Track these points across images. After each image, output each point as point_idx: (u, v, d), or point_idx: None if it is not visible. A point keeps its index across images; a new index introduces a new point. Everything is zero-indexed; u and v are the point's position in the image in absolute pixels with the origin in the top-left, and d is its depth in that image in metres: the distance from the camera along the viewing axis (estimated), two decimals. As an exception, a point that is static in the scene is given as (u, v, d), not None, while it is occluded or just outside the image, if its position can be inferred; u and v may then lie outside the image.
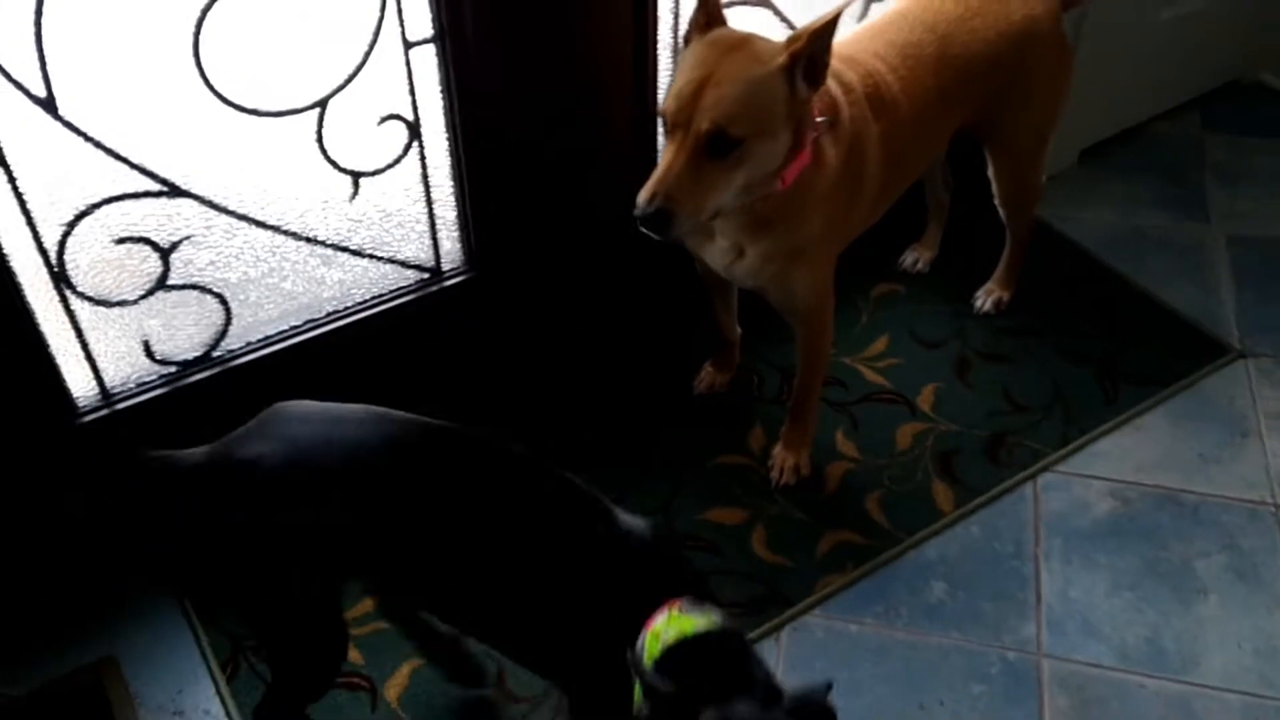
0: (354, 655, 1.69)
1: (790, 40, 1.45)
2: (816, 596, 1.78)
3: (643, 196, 1.44)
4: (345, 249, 1.77)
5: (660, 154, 1.60)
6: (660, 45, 1.86)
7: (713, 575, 1.81)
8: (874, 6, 2.08)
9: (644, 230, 1.45)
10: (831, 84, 1.63)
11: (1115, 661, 1.70)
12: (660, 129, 1.65)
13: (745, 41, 1.47)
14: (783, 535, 1.87)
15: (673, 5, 1.86)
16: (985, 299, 2.26)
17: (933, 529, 1.88)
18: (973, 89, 1.82)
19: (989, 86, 1.83)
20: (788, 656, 1.71)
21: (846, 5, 1.44)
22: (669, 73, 1.90)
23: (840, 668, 1.69)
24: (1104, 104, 2.51)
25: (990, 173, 2.04)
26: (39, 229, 1.48)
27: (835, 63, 1.67)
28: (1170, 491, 1.93)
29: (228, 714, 1.62)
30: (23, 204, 1.45)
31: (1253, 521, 1.88)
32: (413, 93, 1.66)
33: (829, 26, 1.42)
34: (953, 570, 1.83)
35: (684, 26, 1.55)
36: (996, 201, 2.09)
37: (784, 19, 1.99)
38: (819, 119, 1.57)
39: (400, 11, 1.58)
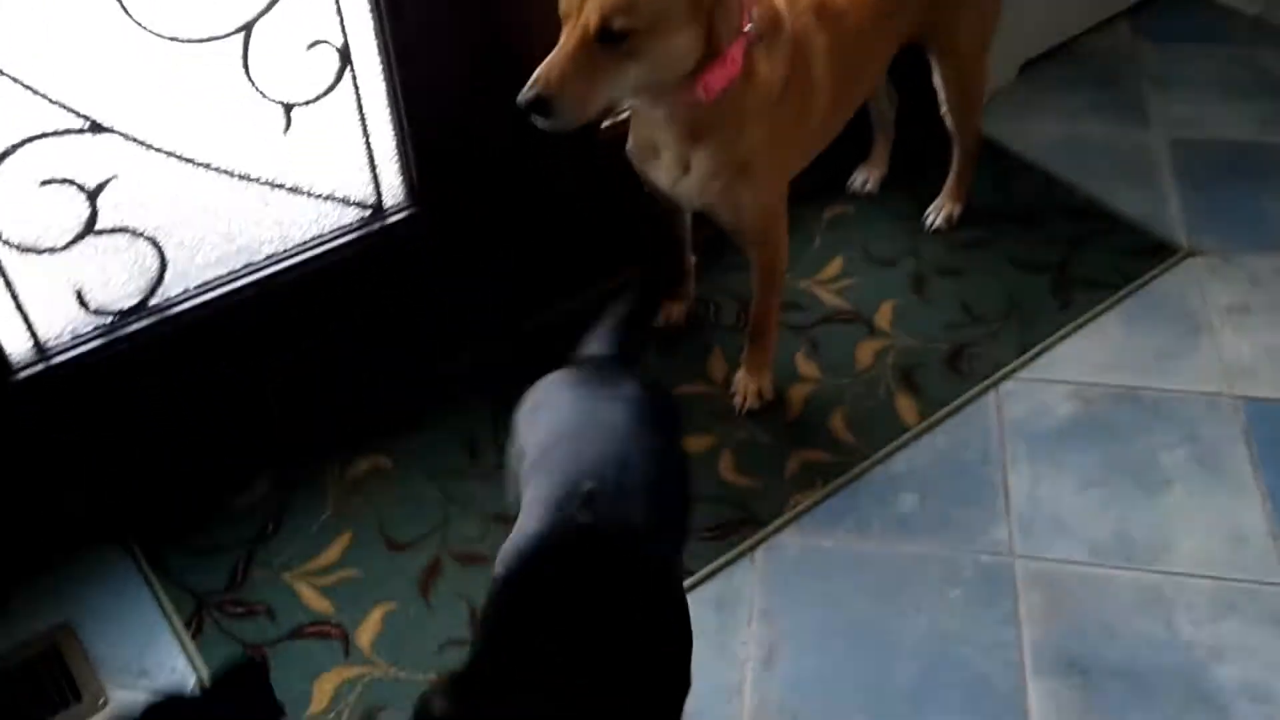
0: (323, 604, 1.65)
1: None
2: (788, 516, 1.77)
3: (527, 84, 1.42)
4: (281, 186, 1.70)
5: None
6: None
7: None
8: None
9: (532, 119, 1.43)
10: (775, -5, 1.60)
11: (1086, 556, 1.71)
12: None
13: None
14: (751, 458, 1.86)
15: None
16: (936, 214, 2.25)
17: (899, 442, 1.87)
18: None
19: None
20: (763, 575, 1.69)
21: None
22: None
23: (817, 582, 1.68)
24: (1039, 18, 2.51)
25: (936, 80, 2.03)
26: (-45, 175, 1.40)
27: (781, -26, 1.65)
28: (1129, 389, 1.95)
29: (195, 669, 1.57)
30: (-64, 148, 1.37)
31: (1211, 412, 1.90)
32: (340, 14, 1.59)
33: None
34: (922, 481, 1.82)
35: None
36: (944, 110, 2.08)
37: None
38: (746, 29, 1.53)
39: (321, -75, 1.51)
